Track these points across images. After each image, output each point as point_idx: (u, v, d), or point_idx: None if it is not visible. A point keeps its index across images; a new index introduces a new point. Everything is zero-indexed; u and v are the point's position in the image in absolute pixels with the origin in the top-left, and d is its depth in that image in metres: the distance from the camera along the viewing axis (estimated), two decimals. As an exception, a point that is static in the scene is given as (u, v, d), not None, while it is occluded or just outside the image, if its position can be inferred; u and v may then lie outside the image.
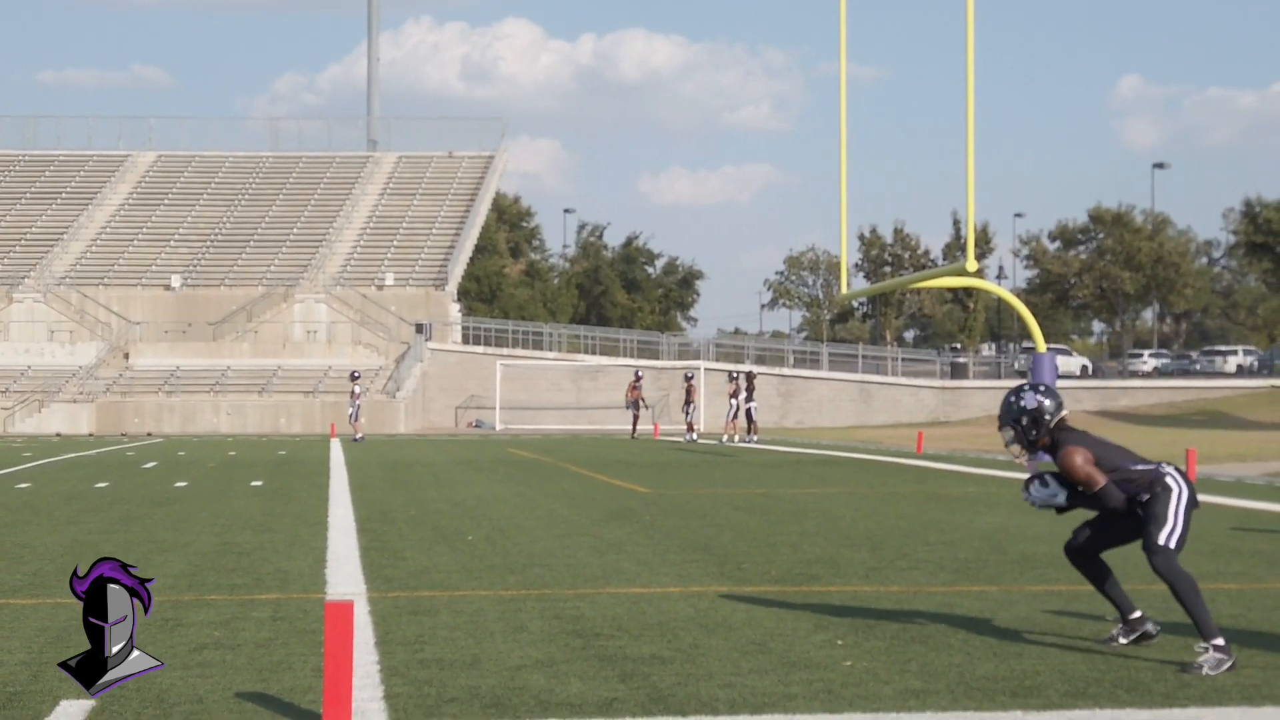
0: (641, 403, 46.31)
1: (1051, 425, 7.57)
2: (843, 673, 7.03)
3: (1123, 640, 7.67)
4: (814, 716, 6.16)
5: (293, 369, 55.97)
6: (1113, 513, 7.61)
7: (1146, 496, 7.43)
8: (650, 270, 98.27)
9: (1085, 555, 7.73)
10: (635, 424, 46.03)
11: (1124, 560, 9.28)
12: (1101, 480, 7.39)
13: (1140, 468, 7.48)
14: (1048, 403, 7.58)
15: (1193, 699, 6.50)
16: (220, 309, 60.33)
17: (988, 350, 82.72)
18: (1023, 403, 7.58)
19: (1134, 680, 6.88)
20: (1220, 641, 7.09)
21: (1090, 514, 7.84)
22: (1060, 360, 55.38)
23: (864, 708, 6.30)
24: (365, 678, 6.81)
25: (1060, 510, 7.61)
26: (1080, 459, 7.40)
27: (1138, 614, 7.70)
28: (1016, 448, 7.67)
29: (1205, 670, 6.99)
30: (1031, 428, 7.57)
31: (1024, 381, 8.03)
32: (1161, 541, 7.29)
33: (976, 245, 52.55)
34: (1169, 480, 7.44)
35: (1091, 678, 6.93)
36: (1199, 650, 7.12)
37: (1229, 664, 7.04)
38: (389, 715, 6.17)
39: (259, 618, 8.66)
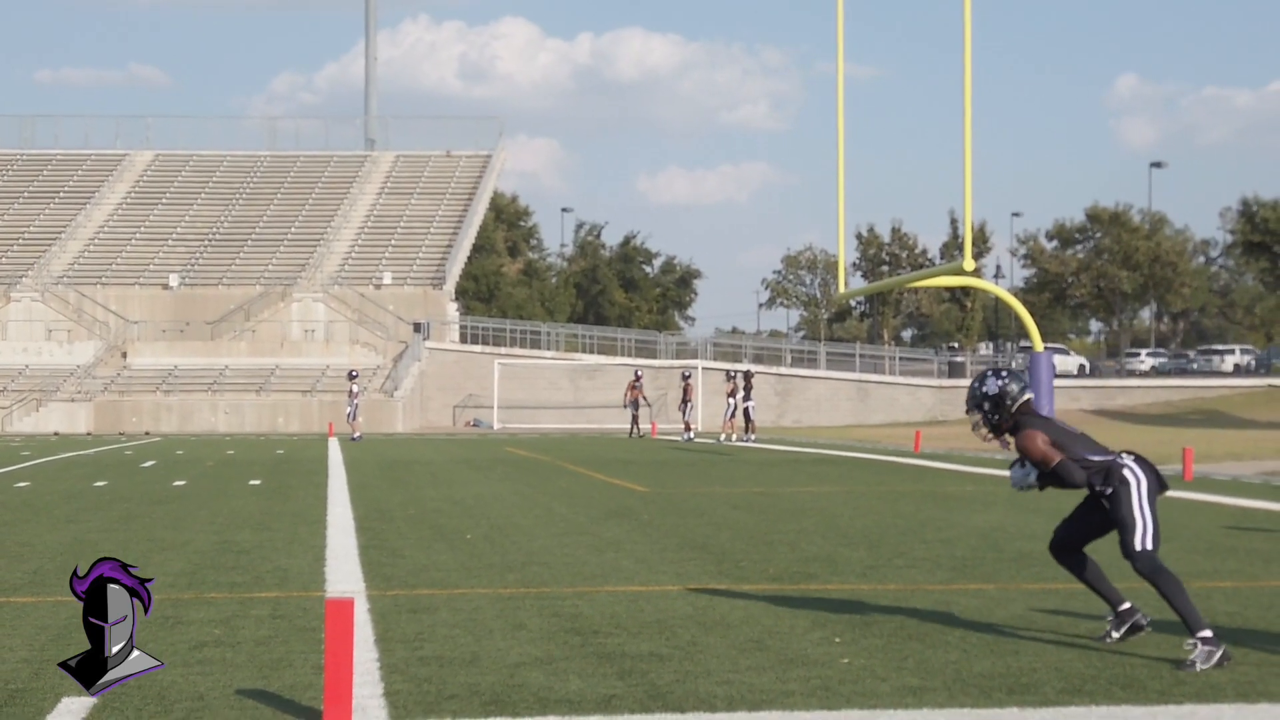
0: (642, 401, 45.94)
1: (1014, 409, 7.78)
2: (840, 670, 7.06)
3: (1115, 635, 7.72)
4: (811, 713, 6.19)
5: (290, 368, 56.00)
6: (1085, 503, 7.76)
7: (1109, 490, 7.56)
8: (648, 269, 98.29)
9: (1067, 550, 7.86)
10: (635, 423, 45.66)
11: (1118, 558, 9.33)
12: (1056, 457, 7.57)
13: (1097, 458, 7.61)
14: (1012, 388, 7.79)
15: (1188, 695, 6.54)
16: (218, 308, 60.35)
17: (985, 349, 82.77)
18: (985, 388, 7.83)
19: (1130, 677, 6.92)
20: (1208, 633, 7.16)
21: (1069, 512, 7.95)
22: (1057, 359, 55.46)
23: (861, 705, 6.34)
24: (365, 675, 6.84)
25: (1041, 488, 7.78)
26: (1039, 440, 7.61)
27: (1127, 605, 7.76)
28: (984, 430, 7.93)
29: (1199, 665, 7.05)
30: (994, 412, 7.81)
31: (988, 367, 8.32)
32: (1138, 546, 7.41)
33: (974, 244, 52.55)
34: (1126, 473, 7.56)
35: (1087, 675, 6.97)
36: (1188, 647, 7.18)
37: (1219, 654, 7.10)
38: (389, 712, 6.20)
39: (259, 615, 8.69)
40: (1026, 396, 7.80)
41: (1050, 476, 7.63)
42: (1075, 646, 7.69)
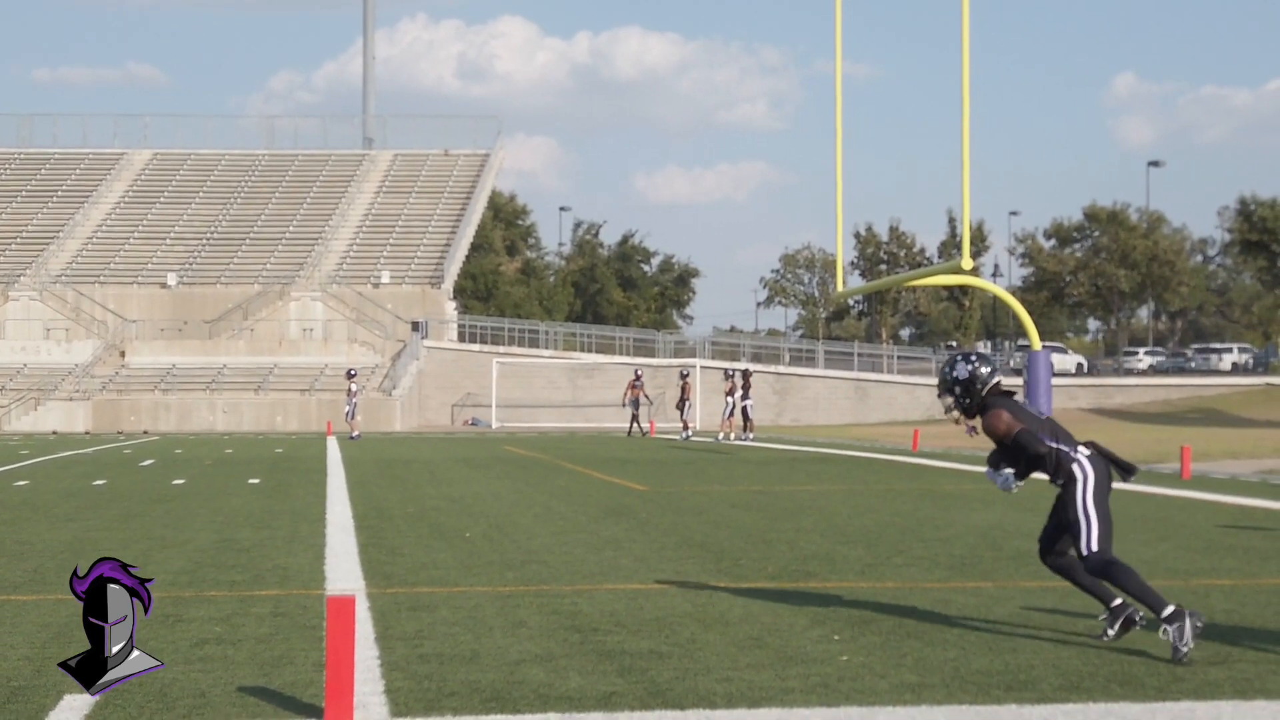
0: (643, 400, 45.58)
1: (984, 392, 7.94)
2: (839, 667, 7.09)
3: (1110, 633, 7.74)
4: (811, 710, 6.21)
5: (289, 367, 56.02)
6: (1056, 504, 7.85)
7: (1059, 481, 7.72)
8: (646, 268, 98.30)
9: (1054, 553, 7.95)
10: (635, 421, 45.21)
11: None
12: (1018, 426, 7.72)
13: (1054, 445, 7.71)
14: (982, 371, 7.97)
15: (1185, 692, 6.56)
16: (216, 307, 60.35)
17: (983, 348, 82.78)
18: (956, 373, 8.02)
19: (1127, 674, 6.94)
20: (1169, 610, 7.29)
21: (1048, 518, 8.01)
22: (1055, 358, 55.48)
23: (860, 701, 6.36)
24: (366, 672, 6.86)
25: (1020, 476, 7.91)
26: (1004, 415, 7.78)
27: (1118, 601, 7.80)
28: (956, 413, 8.10)
29: (1183, 648, 7.18)
30: (965, 395, 7.99)
31: (957, 351, 8.48)
32: (1085, 550, 7.58)
33: (972, 243, 52.56)
34: (1074, 468, 7.69)
35: (1085, 672, 6.99)
36: (1162, 636, 7.30)
37: (1189, 625, 7.23)
38: (390, 709, 6.22)
39: (259, 613, 8.71)
40: (996, 380, 7.96)
41: (1017, 453, 7.73)
42: (1073, 644, 7.71)
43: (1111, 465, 7.78)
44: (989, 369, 7.97)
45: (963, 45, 23.54)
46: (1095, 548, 7.53)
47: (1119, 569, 7.50)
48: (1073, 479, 7.65)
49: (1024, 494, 16.80)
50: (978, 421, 8.03)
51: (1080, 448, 7.75)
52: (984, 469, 8.10)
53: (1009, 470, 7.84)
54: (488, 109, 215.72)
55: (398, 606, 8.96)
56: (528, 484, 20.53)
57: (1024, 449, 7.69)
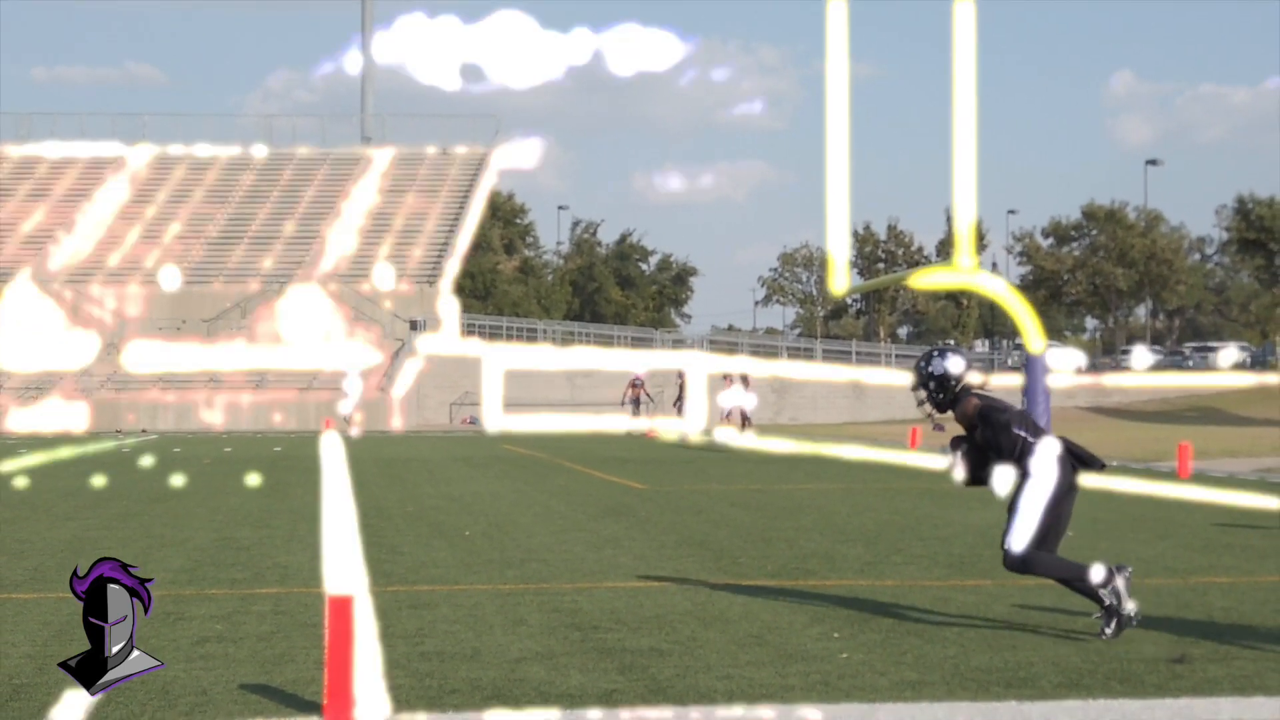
0: (644, 398, 45.48)
1: (957, 388, 8.05)
2: (839, 665, 7.10)
3: (1107, 631, 7.75)
4: (811, 707, 6.23)
5: (287, 366, 55.97)
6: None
7: (1020, 470, 7.79)
8: (644, 267, 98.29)
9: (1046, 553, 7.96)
10: (635, 420, 45.11)
11: (1095, 555, 9.32)
12: (985, 405, 7.85)
13: (1021, 433, 7.78)
14: (956, 368, 8.08)
15: (1184, 690, 6.58)
16: (214, 306, 60.30)
17: (981, 347, 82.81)
18: (930, 368, 8.15)
19: (1126, 671, 6.96)
20: (1102, 574, 7.54)
21: None
22: (1052, 356, 55.45)
23: (860, 698, 6.38)
24: (367, 670, 6.87)
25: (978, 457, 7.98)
26: (974, 401, 7.92)
27: (1110, 600, 7.81)
28: (928, 407, 8.22)
29: (1127, 607, 7.45)
30: (939, 390, 8.12)
31: (935, 347, 8.55)
32: (1006, 544, 7.74)
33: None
34: (1034, 463, 7.76)
35: (1084, 669, 7.01)
36: (1096, 617, 7.55)
37: (1122, 580, 7.53)
38: (391, 706, 6.24)
39: (260, 611, 8.73)
40: (970, 377, 8.06)
41: (986, 435, 7.78)
42: (1072, 641, 7.73)
43: (1078, 462, 7.81)
44: (964, 366, 8.07)
45: (960, 45, 23.57)
46: (1018, 548, 7.67)
47: (1035, 560, 7.68)
48: (1030, 475, 7.71)
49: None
50: (948, 417, 8.12)
51: (1050, 441, 7.78)
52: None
53: (1003, 468, 7.85)
54: (486, 107, 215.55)
55: (398, 604, 8.98)
56: (527, 483, 20.54)
57: (989, 424, 7.76)
